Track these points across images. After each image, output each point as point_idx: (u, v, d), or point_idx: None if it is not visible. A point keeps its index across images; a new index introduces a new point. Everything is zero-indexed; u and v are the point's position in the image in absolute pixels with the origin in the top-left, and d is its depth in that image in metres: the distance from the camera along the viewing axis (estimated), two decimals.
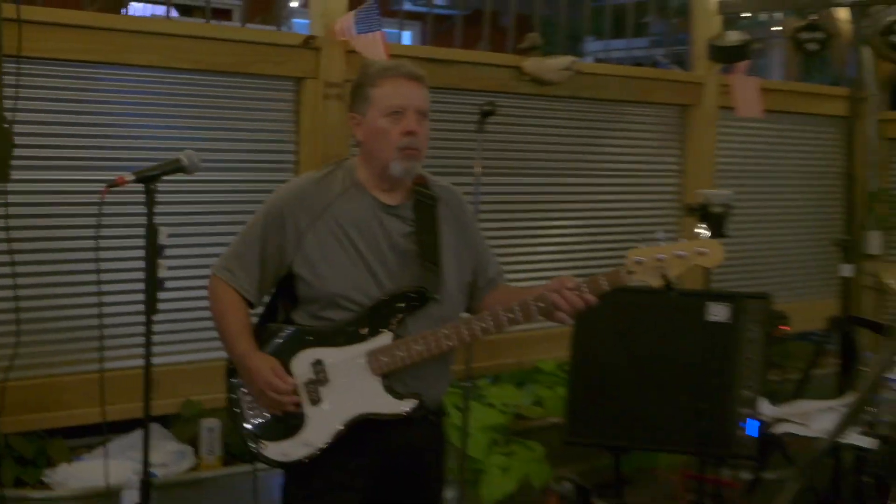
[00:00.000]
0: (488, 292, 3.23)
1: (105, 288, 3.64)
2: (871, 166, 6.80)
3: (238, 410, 3.09)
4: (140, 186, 2.98)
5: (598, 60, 8.52)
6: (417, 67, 3.06)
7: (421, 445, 3.12)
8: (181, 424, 4.07)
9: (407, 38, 7.91)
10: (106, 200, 3.00)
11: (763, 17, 6.86)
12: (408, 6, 8.00)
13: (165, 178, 3.02)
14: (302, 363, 3.01)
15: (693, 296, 4.42)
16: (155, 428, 3.96)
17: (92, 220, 3.13)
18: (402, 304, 3.01)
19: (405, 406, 3.01)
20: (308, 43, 4.41)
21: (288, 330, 3.05)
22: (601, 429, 4.47)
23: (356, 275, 3.00)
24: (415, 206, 3.08)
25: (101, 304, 3.47)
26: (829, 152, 6.72)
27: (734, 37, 5.77)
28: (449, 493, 3.53)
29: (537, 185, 5.27)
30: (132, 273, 3.83)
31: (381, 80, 3.00)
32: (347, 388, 2.99)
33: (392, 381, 3.00)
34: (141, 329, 3.07)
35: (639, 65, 7.41)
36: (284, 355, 3.02)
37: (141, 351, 3.07)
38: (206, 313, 3.20)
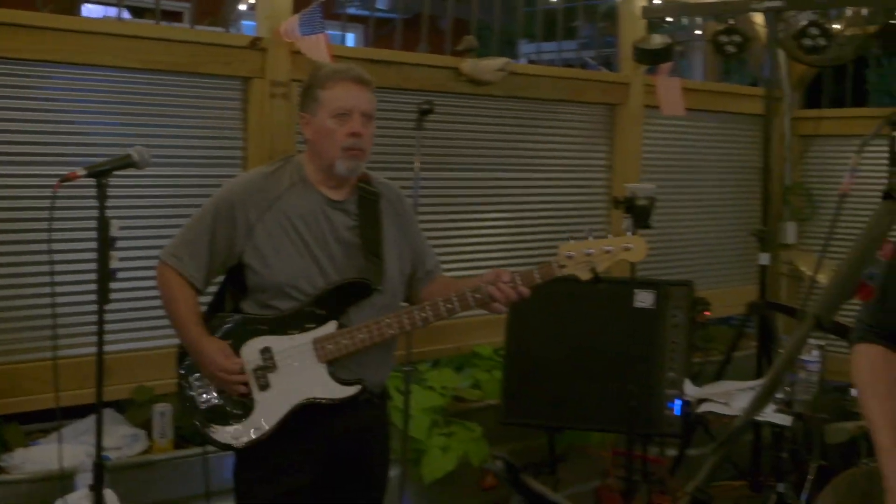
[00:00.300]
0: (427, 283, 3.27)
1: (58, 278, 3.63)
2: (786, 161, 6.89)
3: (189, 395, 3.10)
4: (92, 181, 2.97)
5: (531, 62, 8.61)
6: (365, 72, 3.09)
7: (365, 428, 3.15)
8: (134, 409, 4.04)
9: (350, 40, 7.91)
10: (59, 194, 3.00)
11: (685, 21, 6.94)
12: (350, 10, 7.99)
13: (117, 172, 3.02)
14: (251, 350, 3.03)
15: (620, 284, 4.43)
16: (108, 413, 3.94)
17: (45, 214, 3.11)
18: (347, 295, 3.04)
19: (349, 391, 3.04)
20: (255, 44, 4.40)
21: (237, 319, 3.06)
22: (535, 410, 4.52)
23: (303, 265, 3.02)
24: (359, 201, 3.12)
25: (54, 294, 3.44)
26: (747, 148, 6.76)
27: (658, 40, 5.81)
28: (392, 473, 3.57)
29: (474, 181, 5.28)
30: (85, 264, 3.81)
31: (331, 83, 3.03)
32: (294, 374, 3.01)
33: (337, 367, 3.03)
34: (93, 318, 3.06)
35: (569, 66, 7.46)
36: (234, 343, 3.04)
37: (94, 339, 3.06)
38: (158, 302, 3.22)
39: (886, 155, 6.12)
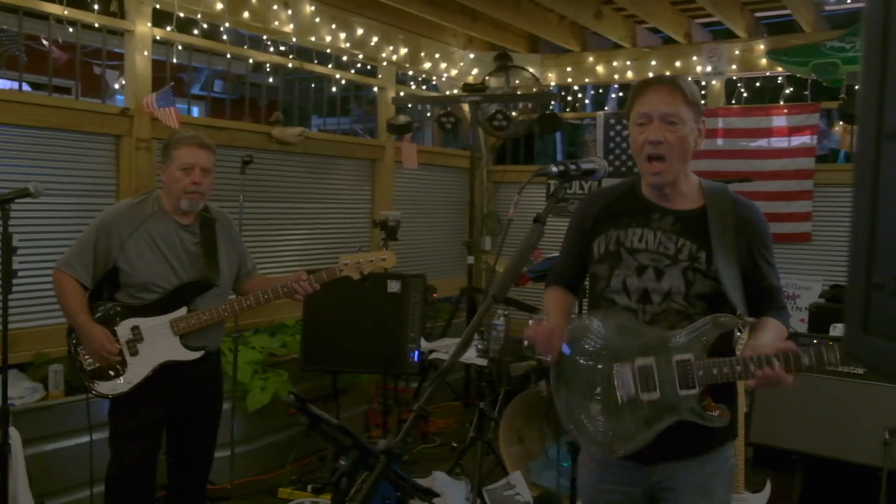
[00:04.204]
0: (248, 280, 3.26)
1: None
2: (484, 198, 7.01)
3: (77, 361, 2.97)
4: None
5: (320, 130, 8.58)
6: (207, 138, 3.04)
7: (205, 377, 3.11)
8: (34, 369, 3.77)
9: (195, 111, 7.62)
10: None
11: (419, 107, 7.13)
12: (195, 90, 7.69)
13: (18, 200, 2.84)
14: (124, 328, 2.94)
15: (379, 276, 4.45)
16: (13, 372, 3.66)
17: None
18: (193, 289, 3.00)
19: (196, 354, 3.01)
20: (124, 112, 4.20)
21: (116, 306, 2.96)
22: (323, 360, 4.51)
23: (161, 269, 2.96)
24: (201, 224, 3.08)
25: None
26: (459, 189, 6.76)
27: (402, 119, 5.86)
28: (225, 406, 3.52)
29: (280, 209, 5.21)
30: None
31: (180, 145, 2.97)
32: (156, 343, 2.95)
33: (187, 338, 2.99)
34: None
35: (345, 133, 7.51)
36: (113, 322, 2.94)
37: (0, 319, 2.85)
38: (51, 292, 3.06)
39: (543, 193, 6.58)
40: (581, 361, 2.03)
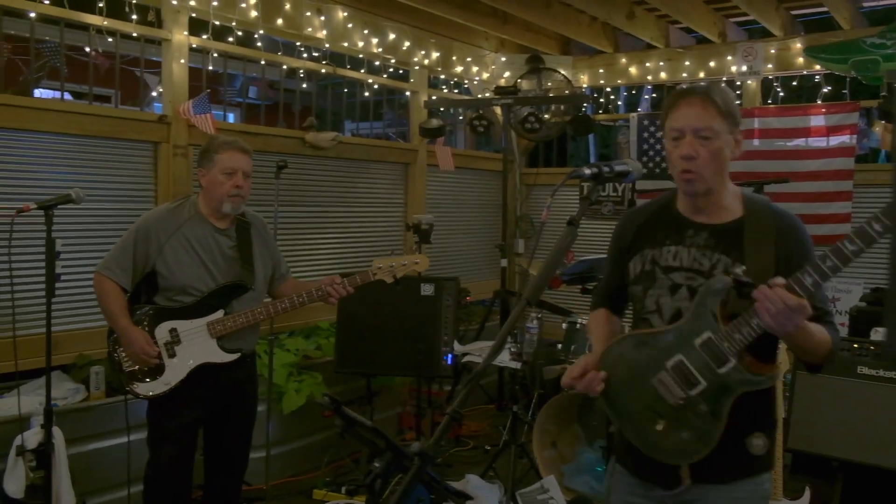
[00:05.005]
0: (282, 283, 3.29)
1: (17, 280, 3.43)
2: (517, 200, 6.97)
3: (117, 361, 3.02)
4: (41, 212, 2.88)
5: (353, 134, 8.64)
6: (247, 144, 3.09)
7: (241, 380, 3.14)
8: (76, 370, 3.85)
9: (231, 118, 7.74)
10: (16, 221, 2.93)
11: (452, 110, 7.13)
12: (231, 98, 7.81)
13: (60, 206, 2.93)
14: (163, 330, 2.98)
15: (412, 280, 4.45)
16: (57, 373, 3.76)
17: (6, 234, 3.01)
18: (229, 292, 3.03)
19: (232, 357, 3.04)
20: (162, 119, 4.28)
21: (154, 309, 3.01)
22: (357, 362, 4.52)
23: (199, 273, 2.99)
24: (237, 229, 3.11)
25: (13, 292, 3.31)
26: (492, 192, 6.71)
27: (435, 122, 5.85)
28: (260, 408, 3.55)
29: (315, 214, 5.24)
30: (36, 271, 3.61)
31: (224, 150, 3.01)
32: (193, 346, 2.98)
33: (223, 341, 3.02)
34: (44, 307, 2.95)
35: (378, 138, 7.50)
36: (152, 325, 2.99)
37: (44, 321, 2.95)
38: (92, 295, 3.13)
39: (576, 196, 6.54)
40: (624, 390, 2.00)
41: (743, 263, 1.88)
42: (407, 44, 5.76)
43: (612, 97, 7.24)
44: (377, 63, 5.73)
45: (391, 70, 5.93)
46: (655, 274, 2.01)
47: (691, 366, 1.89)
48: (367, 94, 5.90)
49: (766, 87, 6.11)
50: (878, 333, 3.97)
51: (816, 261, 1.72)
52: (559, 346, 4.57)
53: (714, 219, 1.99)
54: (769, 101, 6.08)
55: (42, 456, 2.99)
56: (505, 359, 4.47)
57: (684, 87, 2.04)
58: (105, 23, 4.06)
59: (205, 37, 4.50)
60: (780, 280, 1.72)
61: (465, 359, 4.67)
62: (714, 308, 1.86)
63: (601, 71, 6.78)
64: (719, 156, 1.93)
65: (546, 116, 6.38)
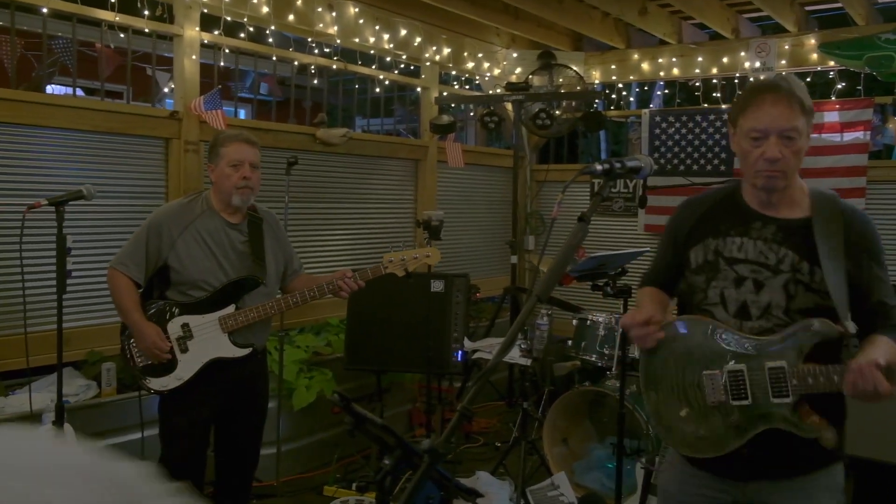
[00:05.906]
0: (294, 278, 3.29)
1: (28, 277, 3.43)
2: (527, 197, 6.96)
3: (129, 356, 3.03)
4: (52, 208, 2.89)
5: (364, 131, 8.65)
6: (252, 135, 3.09)
7: (252, 375, 3.14)
8: (88, 367, 3.87)
9: (242, 114, 7.75)
10: (27, 217, 2.93)
11: (462, 106, 7.11)
12: (241, 94, 7.82)
13: (71, 202, 2.94)
14: (175, 325, 2.98)
15: (423, 276, 4.49)
16: (68, 370, 3.77)
17: (17, 230, 3.01)
18: (241, 287, 3.03)
19: (244, 352, 3.04)
20: (173, 115, 4.28)
21: (167, 304, 3.01)
22: (367, 359, 4.53)
23: (210, 267, 2.99)
24: (248, 223, 3.11)
25: (24, 288, 3.30)
26: (501, 188, 6.75)
27: (445, 118, 5.84)
28: (271, 405, 3.55)
29: (325, 209, 5.24)
30: (47, 266, 3.61)
31: (228, 142, 3.01)
32: (205, 341, 2.98)
33: (235, 336, 3.02)
34: (55, 303, 2.96)
35: (388, 134, 7.50)
36: (164, 320, 2.99)
37: (55, 318, 2.96)
38: (104, 291, 3.13)
39: (587, 192, 6.51)
40: (672, 364, 1.98)
41: (815, 263, 1.84)
42: (418, 40, 5.74)
43: (624, 93, 7.21)
44: (388, 59, 5.71)
45: (402, 66, 5.92)
46: (719, 265, 1.97)
47: (749, 381, 1.86)
48: (377, 90, 5.88)
49: None
50: None
51: None
52: (569, 342, 4.57)
53: (783, 213, 1.95)
54: None
55: None
56: (515, 355, 4.43)
57: (762, 80, 1.96)
58: (117, 18, 4.07)
59: (216, 33, 4.50)
60: (880, 360, 1.70)
61: (476, 355, 4.62)
62: (805, 346, 1.82)
63: (613, 67, 6.74)
64: (801, 154, 1.89)
65: (557, 113, 6.33)
